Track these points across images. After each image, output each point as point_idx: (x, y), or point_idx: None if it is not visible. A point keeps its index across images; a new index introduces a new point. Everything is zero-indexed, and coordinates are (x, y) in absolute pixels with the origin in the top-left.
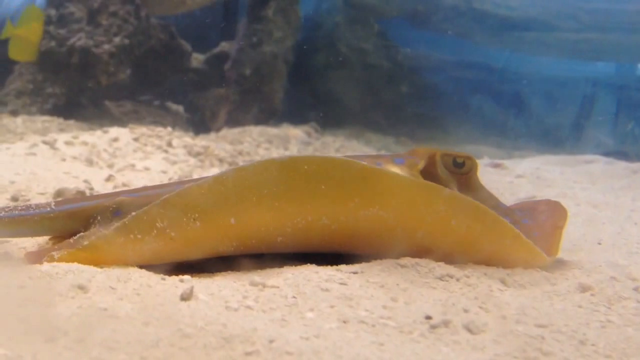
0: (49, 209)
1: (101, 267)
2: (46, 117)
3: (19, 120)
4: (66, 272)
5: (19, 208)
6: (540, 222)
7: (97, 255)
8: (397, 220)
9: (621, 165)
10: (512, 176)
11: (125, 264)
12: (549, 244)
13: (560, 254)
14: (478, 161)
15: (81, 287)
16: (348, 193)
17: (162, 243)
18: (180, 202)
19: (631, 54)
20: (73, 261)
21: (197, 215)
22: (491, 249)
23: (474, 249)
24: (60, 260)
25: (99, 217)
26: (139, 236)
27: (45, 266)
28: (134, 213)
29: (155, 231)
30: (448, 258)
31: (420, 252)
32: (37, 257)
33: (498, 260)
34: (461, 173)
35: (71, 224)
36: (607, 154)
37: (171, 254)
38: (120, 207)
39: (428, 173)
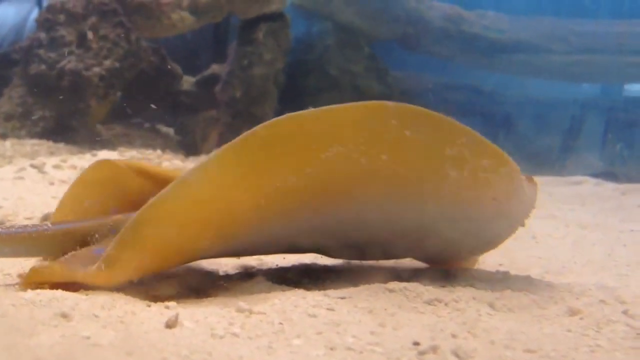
0: (45, 227)
1: (86, 294)
2: (35, 141)
3: (8, 143)
4: (50, 299)
5: (16, 226)
6: None
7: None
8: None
9: (610, 186)
10: None
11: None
12: None
13: (550, 277)
14: None
15: (64, 315)
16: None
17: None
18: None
19: (618, 75)
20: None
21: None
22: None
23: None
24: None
25: (96, 236)
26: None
27: (29, 293)
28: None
29: None
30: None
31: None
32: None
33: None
34: None
35: (67, 243)
36: (595, 175)
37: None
38: (116, 226)
39: None
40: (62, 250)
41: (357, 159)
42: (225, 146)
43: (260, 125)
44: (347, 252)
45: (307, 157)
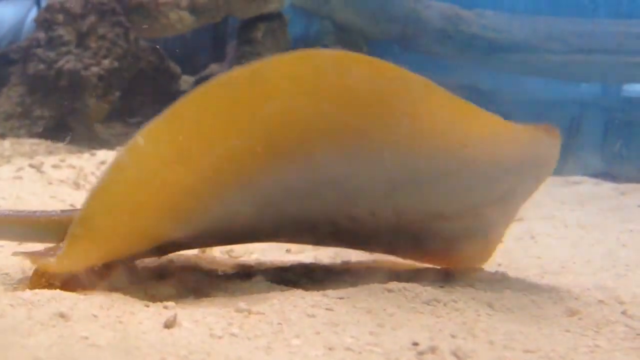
0: (53, 213)
1: (84, 294)
2: (34, 140)
3: (7, 143)
4: (48, 299)
5: (25, 211)
6: None
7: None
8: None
9: (609, 186)
10: None
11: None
12: None
13: (549, 277)
14: None
15: (62, 315)
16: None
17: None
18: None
19: (617, 76)
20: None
21: None
22: None
23: None
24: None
25: None
26: None
27: (27, 293)
28: None
29: None
30: None
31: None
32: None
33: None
34: None
35: None
36: (594, 175)
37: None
38: None
39: None
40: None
41: (298, 111)
42: (153, 121)
43: (188, 93)
44: (322, 230)
45: (245, 117)
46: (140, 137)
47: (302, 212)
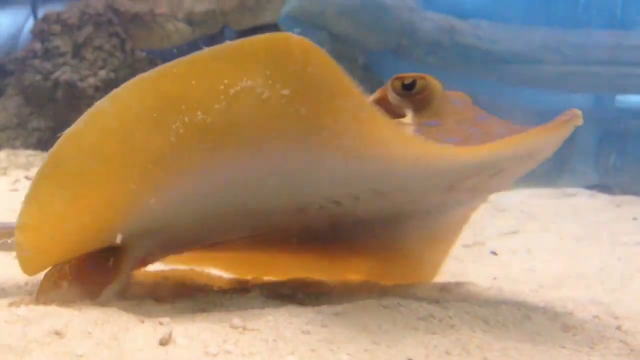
0: None
1: (79, 310)
2: (30, 151)
3: (3, 154)
4: (43, 315)
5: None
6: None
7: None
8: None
9: (604, 198)
10: (495, 210)
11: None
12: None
13: (544, 291)
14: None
15: (57, 332)
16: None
17: None
18: None
19: (610, 86)
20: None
21: None
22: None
23: None
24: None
25: None
26: None
27: (22, 309)
28: None
29: None
30: None
31: None
32: None
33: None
34: (415, 94)
35: None
36: (589, 187)
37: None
38: None
39: (382, 102)
40: None
41: (261, 93)
42: (141, 75)
43: (177, 60)
44: (311, 213)
45: (216, 92)
46: (126, 88)
47: (275, 198)
